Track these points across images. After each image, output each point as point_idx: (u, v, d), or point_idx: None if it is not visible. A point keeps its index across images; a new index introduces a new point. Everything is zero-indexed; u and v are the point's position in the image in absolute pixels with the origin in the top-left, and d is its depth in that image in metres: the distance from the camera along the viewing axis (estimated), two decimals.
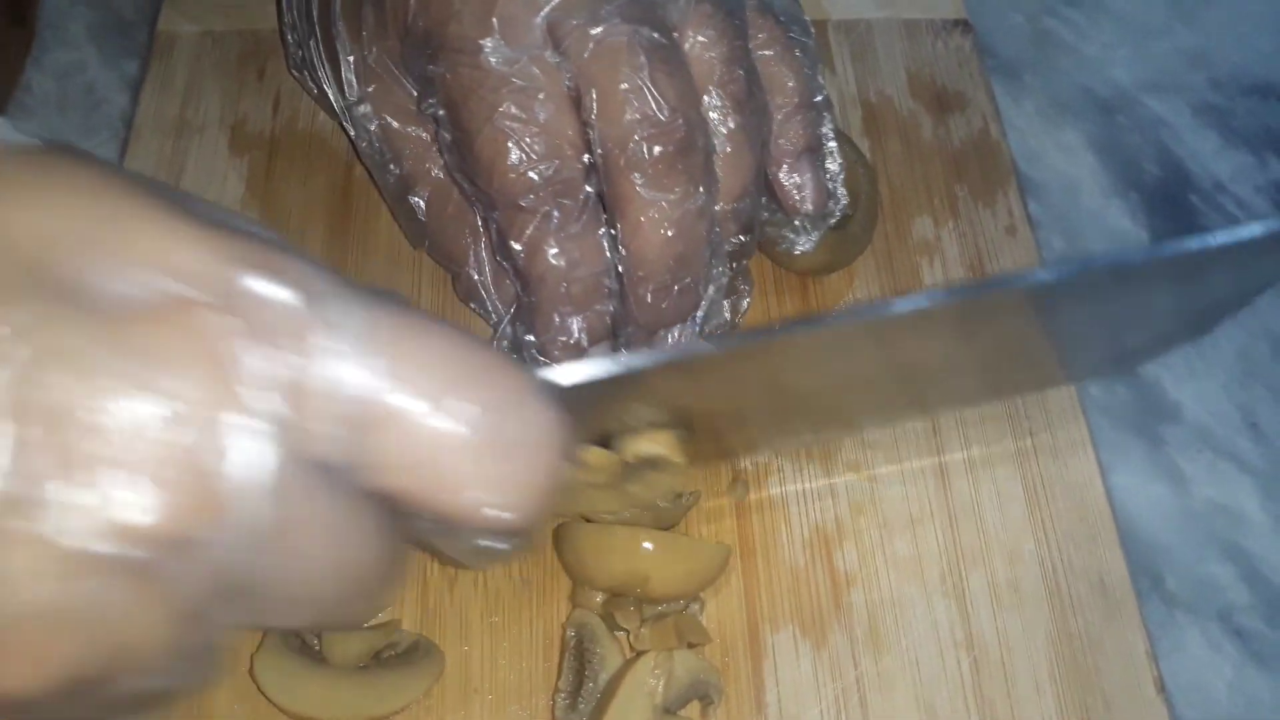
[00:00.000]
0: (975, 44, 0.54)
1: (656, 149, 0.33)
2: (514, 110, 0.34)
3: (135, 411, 0.17)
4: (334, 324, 0.19)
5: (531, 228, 0.35)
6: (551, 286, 0.36)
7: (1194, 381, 0.48)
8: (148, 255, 0.18)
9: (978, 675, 0.39)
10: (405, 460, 0.20)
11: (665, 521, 0.39)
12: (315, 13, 0.42)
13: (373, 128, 0.41)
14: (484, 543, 0.22)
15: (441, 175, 0.41)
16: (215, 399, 0.17)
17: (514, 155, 0.34)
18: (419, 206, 0.42)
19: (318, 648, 0.37)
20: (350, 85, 0.40)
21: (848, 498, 0.42)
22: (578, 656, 0.38)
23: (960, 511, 0.42)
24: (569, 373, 0.26)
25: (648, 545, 0.37)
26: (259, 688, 0.36)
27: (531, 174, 0.34)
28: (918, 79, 0.53)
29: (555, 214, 0.35)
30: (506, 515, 0.20)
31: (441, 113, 0.36)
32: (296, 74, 0.46)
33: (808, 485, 0.42)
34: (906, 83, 0.52)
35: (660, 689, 0.36)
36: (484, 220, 0.37)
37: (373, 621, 0.39)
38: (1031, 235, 0.48)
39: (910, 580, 0.40)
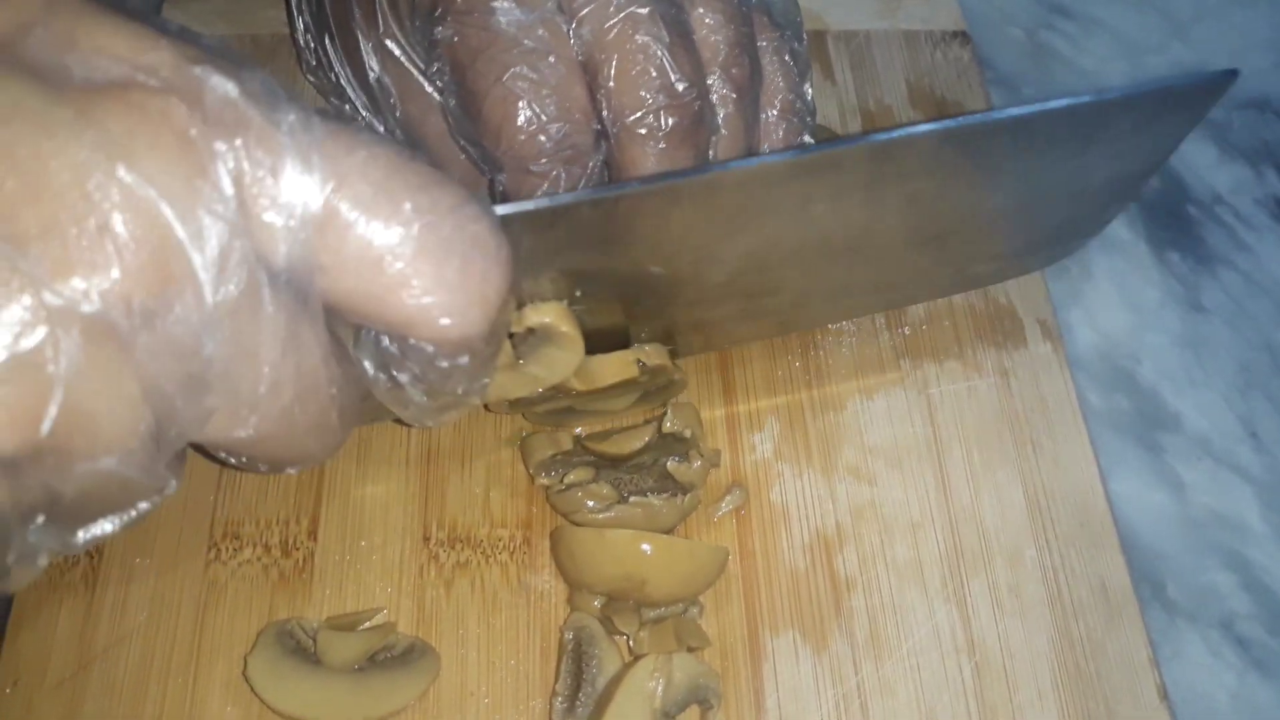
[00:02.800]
0: (974, 55, 0.54)
1: (671, 120, 0.34)
2: (526, 71, 0.33)
3: (99, 176, 0.18)
4: (276, 122, 0.20)
5: (540, 192, 0.35)
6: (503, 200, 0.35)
7: (1194, 391, 0.48)
8: (115, 49, 0.19)
9: (979, 681, 0.38)
10: (347, 261, 0.21)
11: (664, 524, 0.38)
12: (329, 5, 0.41)
13: (398, 115, 0.41)
14: (439, 363, 0.23)
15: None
16: (182, 179, 0.18)
17: (524, 116, 0.34)
18: None
19: (313, 650, 0.37)
20: (372, 71, 0.40)
21: (848, 502, 0.42)
22: (575, 660, 0.37)
23: (961, 516, 0.41)
24: (504, 207, 0.28)
25: (645, 548, 0.36)
26: (253, 689, 0.35)
27: (541, 136, 0.34)
28: (917, 89, 0.53)
29: (563, 178, 0.34)
30: (449, 319, 0.21)
31: (446, 77, 0.36)
32: (313, 79, 0.46)
33: (808, 489, 0.42)
34: (906, 93, 0.53)
35: (659, 693, 0.36)
36: (489, 184, 0.37)
37: (369, 624, 0.38)
38: None
39: (911, 585, 0.40)
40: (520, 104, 0.33)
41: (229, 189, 0.19)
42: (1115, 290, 0.51)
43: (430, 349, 0.23)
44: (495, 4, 0.34)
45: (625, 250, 0.34)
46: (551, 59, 0.34)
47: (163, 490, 0.21)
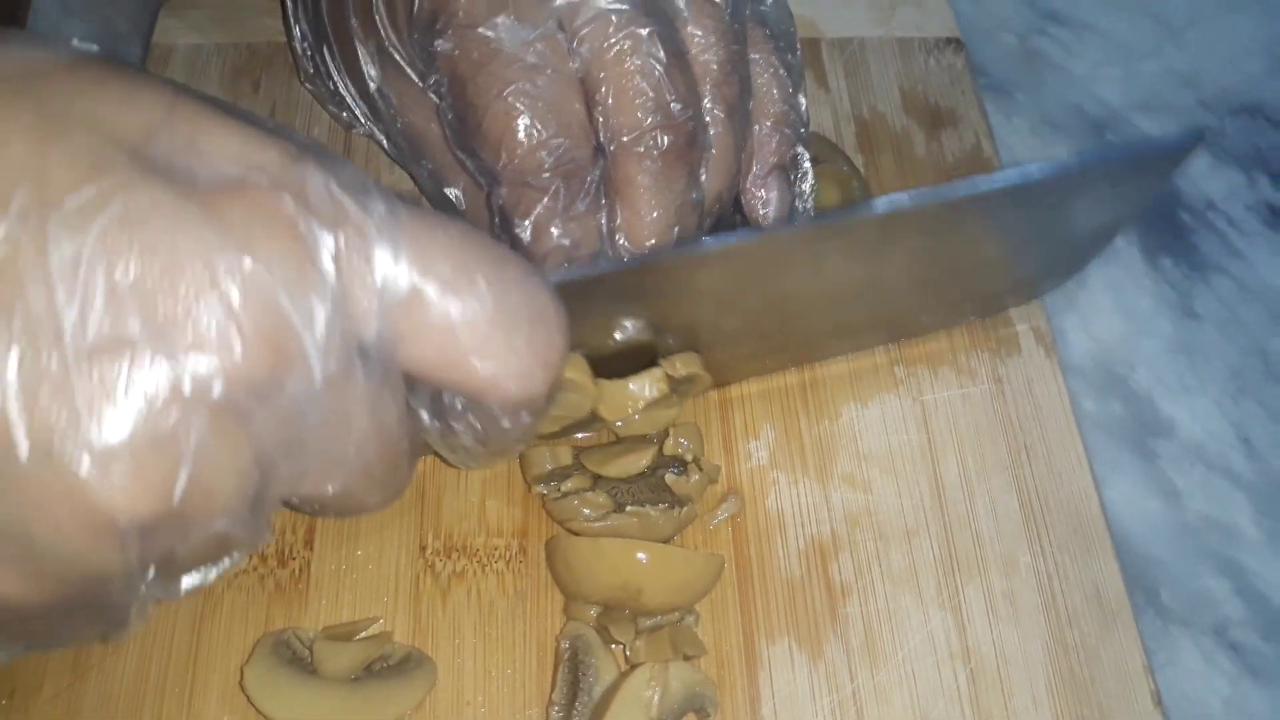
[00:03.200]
0: (968, 61, 0.54)
1: (667, 140, 0.34)
2: (527, 86, 0.34)
3: (225, 266, 0.20)
4: (368, 211, 0.22)
5: (540, 206, 0.35)
6: (553, 266, 0.36)
7: (1186, 397, 0.48)
8: (229, 150, 0.21)
9: (974, 687, 0.38)
10: (428, 332, 0.23)
11: (661, 535, 0.39)
12: (327, 14, 0.41)
13: (399, 125, 0.41)
14: (503, 422, 0.25)
15: None
16: (296, 267, 0.20)
17: (524, 131, 0.34)
18: (457, 199, 0.41)
19: (309, 660, 0.37)
20: (371, 80, 0.40)
21: (843, 509, 0.42)
22: (572, 669, 0.37)
23: (955, 523, 0.42)
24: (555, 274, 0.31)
25: (641, 557, 0.36)
26: (249, 700, 0.35)
27: (542, 151, 0.34)
28: (911, 96, 0.53)
29: (561, 193, 0.35)
30: (517, 383, 0.24)
31: (445, 89, 0.36)
32: (310, 86, 0.46)
33: (803, 496, 0.42)
34: (900, 99, 0.53)
35: (655, 702, 0.36)
36: (486, 198, 0.37)
37: (365, 634, 0.38)
38: None
39: (906, 592, 0.40)
40: (521, 119, 0.34)
41: (333, 275, 0.21)
42: (1109, 296, 0.51)
43: (496, 409, 0.25)
44: (497, 19, 0.34)
45: (654, 304, 0.36)
46: (551, 74, 0.34)
47: (258, 543, 0.23)
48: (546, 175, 0.34)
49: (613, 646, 0.38)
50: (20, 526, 0.19)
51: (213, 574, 0.24)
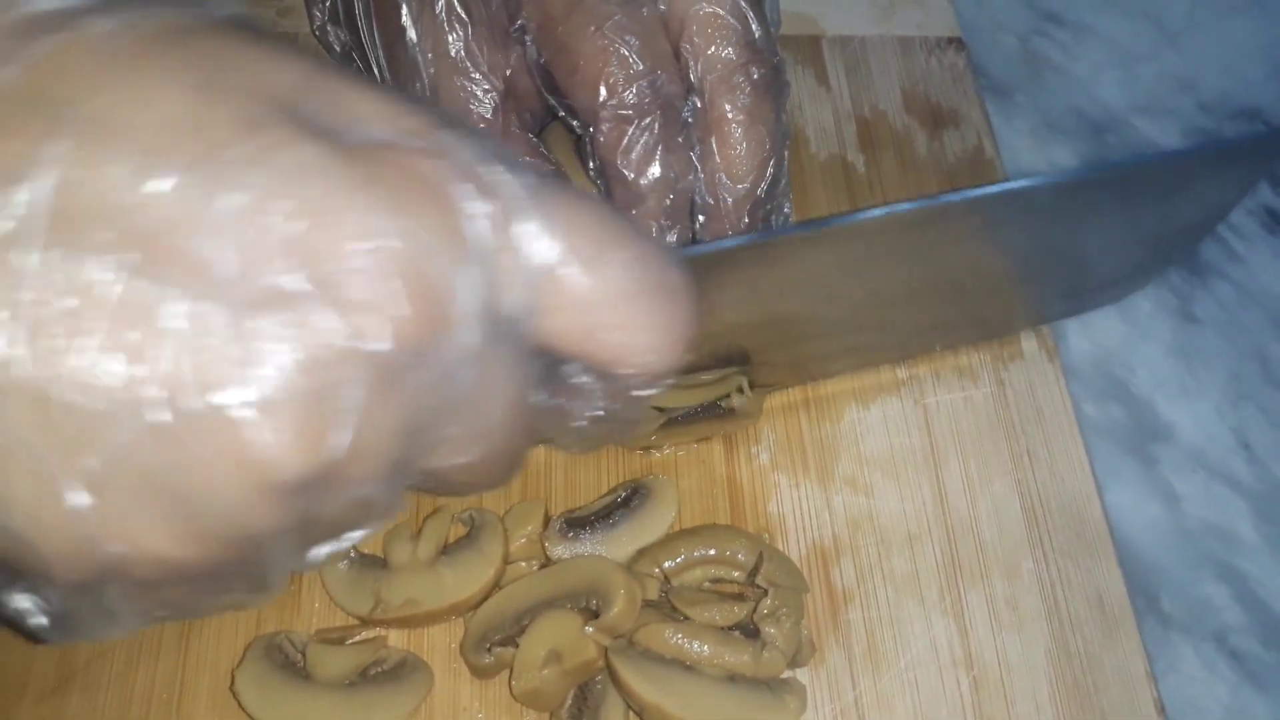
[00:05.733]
0: (969, 61, 0.54)
1: (757, 73, 0.36)
2: (622, 21, 0.34)
3: (385, 226, 0.19)
4: (515, 185, 0.22)
5: (641, 141, 0.36)
6: (657, 199, 0.37)
7: (1186, 402, 0.48)
8: (374, 114, 0.21)
9: (977, 695, 0.38)
10: (567, 305, 0.23)
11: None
12: None
13: (428, 75, 0.40)
14: (634, 393, 0.25)
15: (493, 119, 0.40)
16: (450, 231, 0.20)
17: (625, 66, 0.35)
18: None
19: (302, 664, 0.36)
20: (409, 34, 0.39)
21: (845, 513, 0.41)
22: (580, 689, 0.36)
23: (958, 527, 0.41)
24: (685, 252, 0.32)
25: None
26: (240, 705, 0.35)
27: (642, 82, 0.35)
28: (912, 95, 0.52)
29: (658, 126, 0.35)
30: (652, 356, 0.24)
31: (533, 35, 0.36)
32: (319, 36, 0.44)
33: (805, 500, 0.41)
34: (901, 99, 0.52)
35: None
36: (578, 139, 0.38)
37: (359, 637, 0.37)
38: None
39: (908, 597, 0.40)
40: (622, 52, 0.35)
41: (483, 242, 0.21)
42: None
43: (626, 381, 0.25)
44: None
45: (772, 289, 0.36)
46: (643, 11, 0.35)
47: (392, 514, 0.23)
48: (648, 105, 0.35)
49: None
50: (181, 482, 0.19)
51: (345, 544, 0.23)
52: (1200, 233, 0.44)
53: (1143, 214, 0.39)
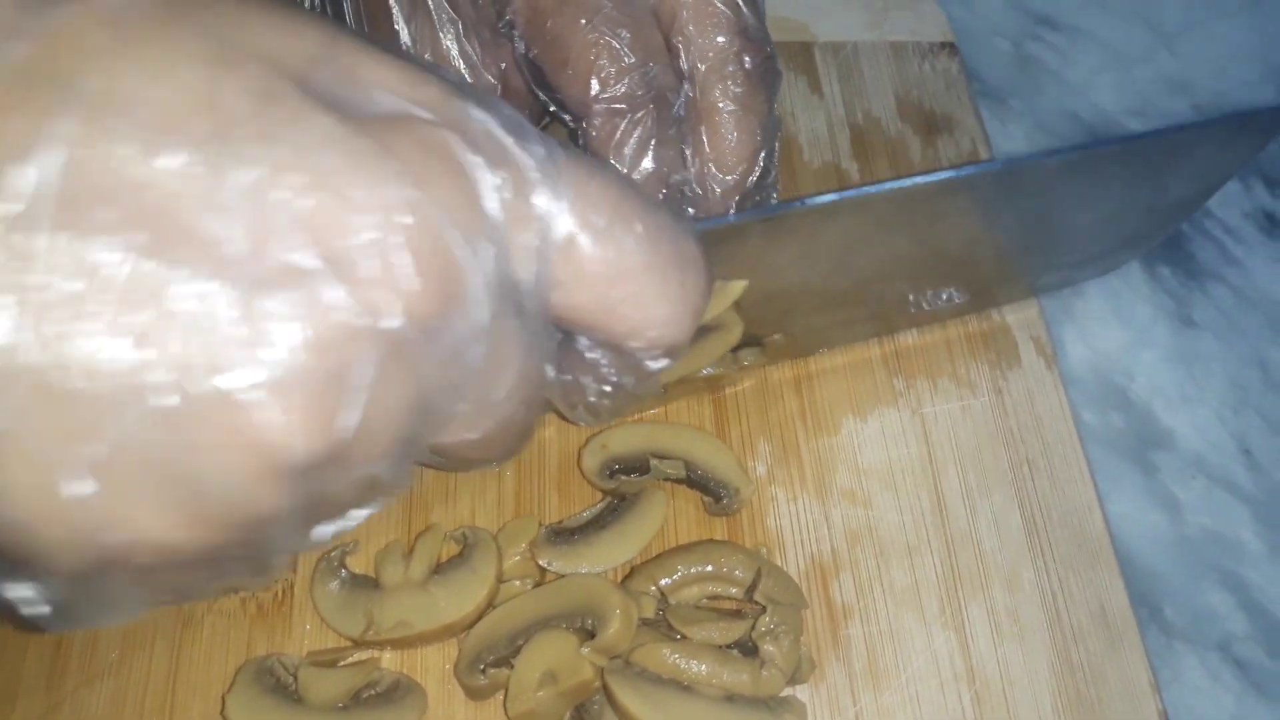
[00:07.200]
0: (962, 66, 0.53)
1: (749, 61, 0.35)
2: (612, 14, 0.34)
3: (398, 201, 0.19)
4: (530, 153, 0.21)
5: (634, 135, 0.35)
6: (650, 192, 0.36)
7: (1187, 408, 0.48)
8: (390, 84, 0.21)
9: (979, 709, 0.37)
10: (584, 278, 0.22)
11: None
12: None
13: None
14: (647, 365, 0.25)
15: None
16: (464, 204, 0.20)
17: (615, 58, 0.34)
18: None
19: (294, 687, 0.35)
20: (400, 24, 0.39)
21: (843, 526, 0.41)
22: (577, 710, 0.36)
23: (958, 538, 0.41)
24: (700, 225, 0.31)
25: None
26: None
27: (634, 75, 0.34)
28: (905, 101, 0.52)
29: (651, 119, 0.35)
30: (668, 328, 0.24)
31: (521, 29, 0.36)
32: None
33: (802, 514, 0.41)
34: (894, 105, 0.52)
35: None
36: (570, 133, 0.37)
37: (352, 660, 0.37)
38: None
39: (908, 611, 0.39)
40: (613, 45, 0.34)
41: (497, 214, 0.21)
42: (1107, 306, 0.50)
43: (641, 354, 0.25)
44: None
45: (785, 259, 0.36)
46: (632, 2, 0.34)
47: (400, 490, 0.23)
48: (640, 98, 0.34)
49: None
50: (187, 466, 0.18)
51: (351, 523, 0.23)
52: (1192, 207, 0.44)
53: (1135, 189, 0.39)
